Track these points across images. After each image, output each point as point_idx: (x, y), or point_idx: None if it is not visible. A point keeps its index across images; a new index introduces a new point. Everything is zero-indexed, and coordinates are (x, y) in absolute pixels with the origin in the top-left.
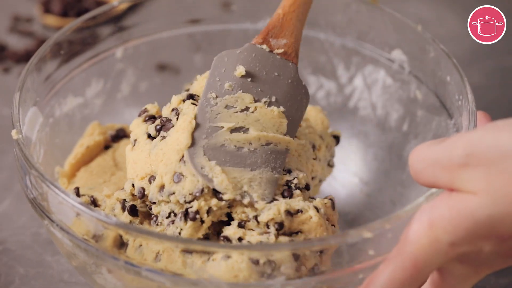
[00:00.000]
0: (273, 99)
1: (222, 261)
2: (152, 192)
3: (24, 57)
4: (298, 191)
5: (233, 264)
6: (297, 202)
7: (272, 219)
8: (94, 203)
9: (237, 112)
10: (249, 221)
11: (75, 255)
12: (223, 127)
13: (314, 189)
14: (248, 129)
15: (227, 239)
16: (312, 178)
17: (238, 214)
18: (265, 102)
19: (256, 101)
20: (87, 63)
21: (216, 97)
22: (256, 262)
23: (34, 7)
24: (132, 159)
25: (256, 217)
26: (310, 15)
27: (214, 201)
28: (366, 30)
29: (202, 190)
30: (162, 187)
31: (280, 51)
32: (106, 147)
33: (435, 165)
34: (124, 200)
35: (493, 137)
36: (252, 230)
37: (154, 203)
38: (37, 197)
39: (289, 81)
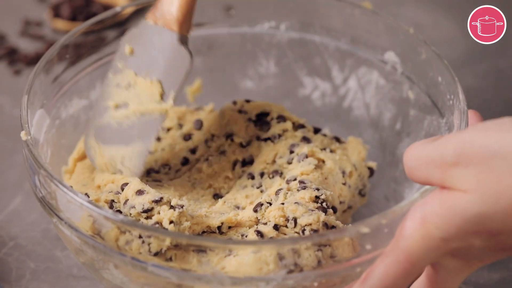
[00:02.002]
0: (151, 69)
1: (252, 254)
2: (120, 204)
3: (34, 60)
4: (331, 210)
5: (260, 257)
6: (333, 219)
7: (310, 224)
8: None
9: (122, 89)
10: (286, 225)
11: (83, 251)
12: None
13: (346, 216)
14: (128, 104)
15: (261, 234)
16: (341, 202)
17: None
18: (144, 75)
19: (136, 75)
20: (92, 66)
21: (112, 75)
22: (282, 257)
23: (44, 11)
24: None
25: (295, 219)
26: (306, 18)
27: (169, 212)
28: (360, 33)
29: (161, 199)
30: (126, 200)
31: (162, 21)
32: None
33: (428, 163)
34: (112, 200)
35: (483, 137)
36: (285, 234)
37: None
38: (45, 196)
39: (168, 50)
